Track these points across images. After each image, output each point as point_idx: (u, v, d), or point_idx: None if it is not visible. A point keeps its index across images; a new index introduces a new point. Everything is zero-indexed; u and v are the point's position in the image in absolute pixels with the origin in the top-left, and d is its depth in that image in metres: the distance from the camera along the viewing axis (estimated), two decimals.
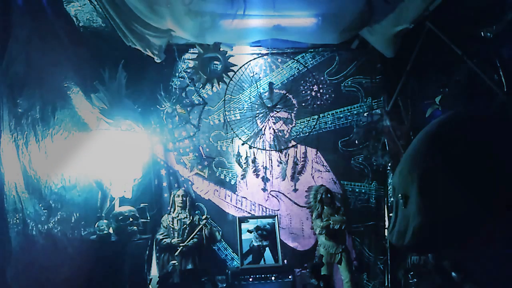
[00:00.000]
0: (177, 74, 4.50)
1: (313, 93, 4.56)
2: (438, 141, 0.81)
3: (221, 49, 4.26)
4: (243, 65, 4.50)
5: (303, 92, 4.57)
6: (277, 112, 4.55)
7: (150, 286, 3.73)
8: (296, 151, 4.51)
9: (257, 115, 4.55)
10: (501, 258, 0.70)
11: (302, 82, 4.57)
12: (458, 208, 0.73)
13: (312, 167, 4.52)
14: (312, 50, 4.56)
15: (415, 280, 3.57)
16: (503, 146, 0.73)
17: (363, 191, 4.48)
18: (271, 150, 4.51)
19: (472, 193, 0.71)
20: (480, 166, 0.72)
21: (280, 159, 4.49)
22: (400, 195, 0.85)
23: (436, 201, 0.76)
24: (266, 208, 4.47)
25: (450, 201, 0.74)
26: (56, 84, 2.95)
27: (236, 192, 4.49)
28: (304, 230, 4.44)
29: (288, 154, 4.50)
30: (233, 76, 4.47)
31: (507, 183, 0.69)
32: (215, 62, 4.41)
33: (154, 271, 4.08)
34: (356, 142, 4.48)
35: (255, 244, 4.11)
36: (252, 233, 4.15)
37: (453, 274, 0.74)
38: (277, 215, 4.31)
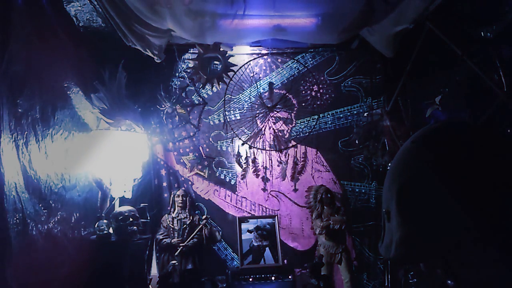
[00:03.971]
0: (177, 74, 4.50)
1: (313, 93, 4.56)
2: (411, 156, 0.83)
3: (221, 49, 4.26)
4: (243, 65, 4.50)
5: (303, 92, 4.57)
6: (277, 112, 4.55)
7: (150, 286, 3.73)
8: (296, 151, 4.51)
9: (257, 115, 4.55)
10: (494, 263, 0.70)
11: (302, 82, 4.57)
12: (434, 220, 0.74)
13: (312, 167, 4.52)
14: (312, 50, 4.56)
15: (415, 280, 3.57)
16: (474, 155, 0.74)
17: (363, 191, 4.48)
18: (271, 150, 4.51)
19: (447, 205, 0.72)
20: (452, 178, 0.73)
21: (280, 159, 4.49)
22: (383, 210, 0.87)
23: (412, 215, 0.78)
24: (266, 208, 4.47)
25: (426, 214, 0.76)
26: (56, 84, 2.95)
27: (236, 192, 4.49)
28: (304, 230, 4.44)
29: (288, 154, 4.50)
30: (233, 76, 4.46)
31: (479, 192, 0.70)
32: (215, 62, 4.41)
33: (154, 271, 4.08)
34: (356, 142, 4.47)
35: (255, 244, 4.11)
36: (252, 233, 4.15)
37: (448, 282, 0.75)
38: (277, 215, 4.31)
